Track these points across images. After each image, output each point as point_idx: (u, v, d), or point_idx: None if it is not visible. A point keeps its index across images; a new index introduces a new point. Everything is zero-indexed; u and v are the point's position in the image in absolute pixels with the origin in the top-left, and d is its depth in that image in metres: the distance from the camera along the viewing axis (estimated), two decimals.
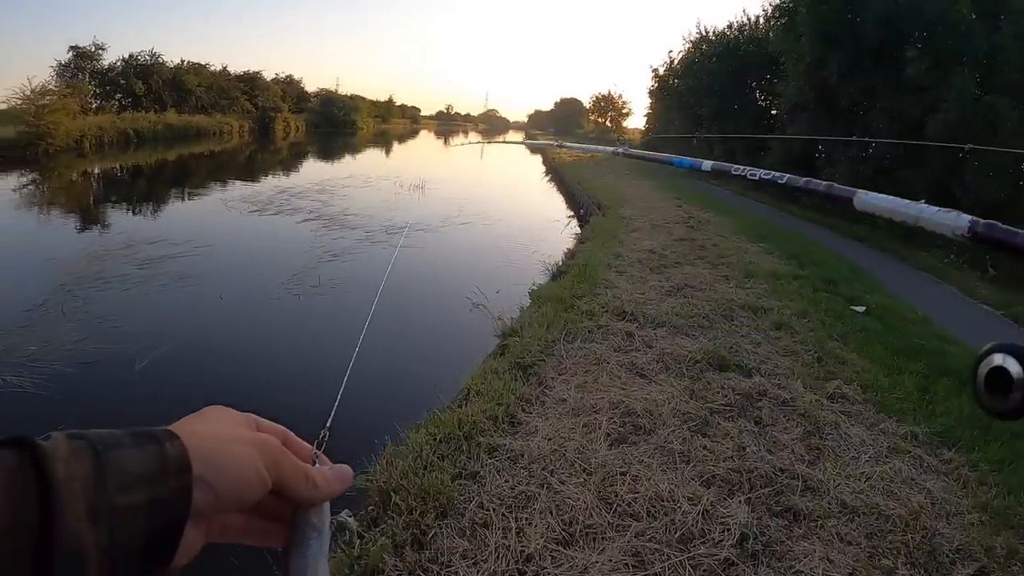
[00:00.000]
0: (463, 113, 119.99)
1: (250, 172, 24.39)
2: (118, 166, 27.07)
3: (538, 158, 34.22)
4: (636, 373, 3.58)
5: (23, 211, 14.91)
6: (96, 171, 24.90)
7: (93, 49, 39.17)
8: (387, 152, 39.56)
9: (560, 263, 6.99)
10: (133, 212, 15.01)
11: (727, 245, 8.23)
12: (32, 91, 28.72)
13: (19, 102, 28.85)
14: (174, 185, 20.57)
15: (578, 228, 12.42)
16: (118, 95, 40.90)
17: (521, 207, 17.91)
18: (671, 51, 33.48)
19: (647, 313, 4.69)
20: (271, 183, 19.10)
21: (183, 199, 17.21)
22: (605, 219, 10.53)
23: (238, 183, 19.65)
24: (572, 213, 15.47)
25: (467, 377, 3.54)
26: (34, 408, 4.36)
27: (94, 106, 37.54)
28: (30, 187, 20.02)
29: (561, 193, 20.10)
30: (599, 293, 5.23)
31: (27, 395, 4.47)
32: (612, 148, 2.51)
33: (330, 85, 56.94)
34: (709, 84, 22.27)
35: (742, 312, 5.03)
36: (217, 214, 13.86)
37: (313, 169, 26.28)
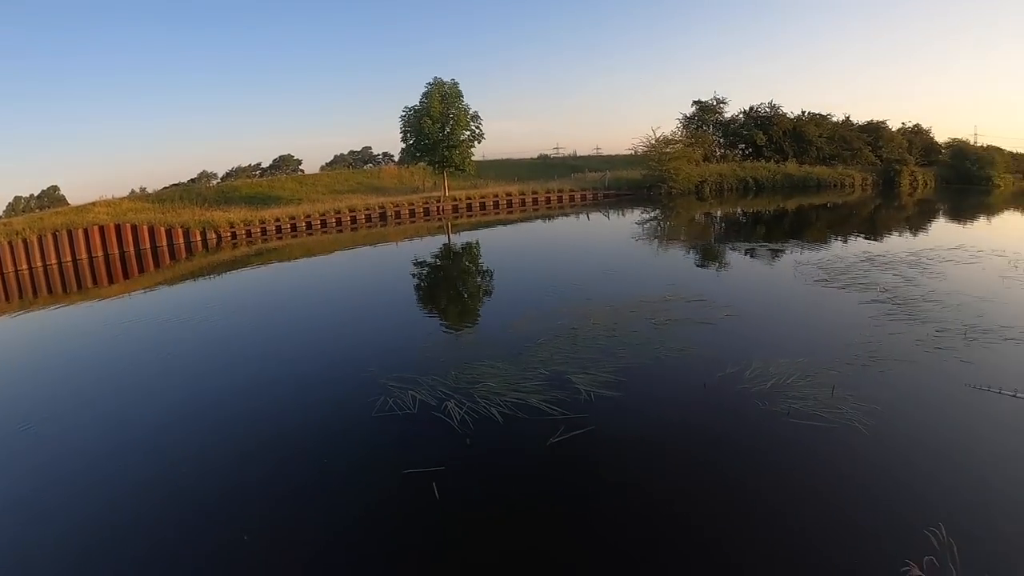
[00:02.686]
0: None
1: (865, 228, 21.78)
2: (738, 210, 29.18)
3: None
4: None
5: (641, 242, 17.77)
6: (716, 213, 27.81)
7: (715, 103, 43.81)
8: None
9: None
10: (716, 259, 15.32)
11: None
12: (656, 139, 36.32)
13: (645, 149, 36.48)
14: (786, 235, 20.23)
15: None
16: (740, 145, 44.10)
17: None
18: None
19: None
20: (863, 247, 16.74)
21: (771, 257, 15.72)
22: None
23: (841, 240, 18.37)
24: None
25: None
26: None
27: (718, 154, 42.82)
28: (651, 223, 24.03)
29: None
30: None
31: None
32: None
33: (965, 135, 48.91)
34: None
35: None
36: (779, 278, 12.76)
37: (927, 232, 21.16)
